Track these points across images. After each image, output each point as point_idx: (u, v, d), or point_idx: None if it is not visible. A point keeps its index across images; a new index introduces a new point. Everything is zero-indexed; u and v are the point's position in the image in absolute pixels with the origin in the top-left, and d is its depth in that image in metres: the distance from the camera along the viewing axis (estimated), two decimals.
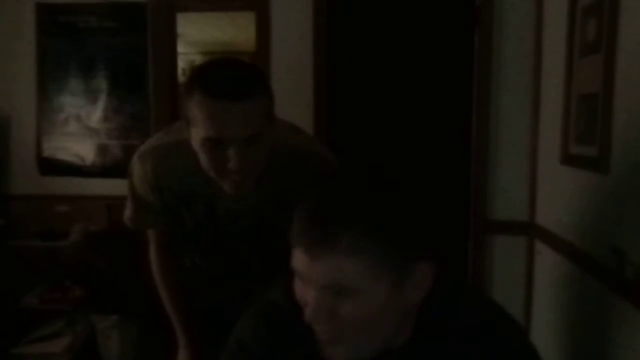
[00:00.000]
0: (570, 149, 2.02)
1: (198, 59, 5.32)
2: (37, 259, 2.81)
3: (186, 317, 1.44)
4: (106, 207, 2.77)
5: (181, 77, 4.89)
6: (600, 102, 1.70)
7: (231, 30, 4.49)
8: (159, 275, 1.42)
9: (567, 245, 2.03)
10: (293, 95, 2.67)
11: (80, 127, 2.87)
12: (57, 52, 2.84)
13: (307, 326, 0.74)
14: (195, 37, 4.64)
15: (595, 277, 1.76)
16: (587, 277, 1.82)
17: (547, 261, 2.33)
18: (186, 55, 5.16)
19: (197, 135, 1.04)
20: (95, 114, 2.86)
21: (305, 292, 0.73)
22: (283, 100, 2.64)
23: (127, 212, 1.33)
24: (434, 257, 0.74)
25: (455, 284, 0.88)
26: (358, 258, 0.67)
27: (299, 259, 0.71)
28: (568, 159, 2.04)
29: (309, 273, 0.70)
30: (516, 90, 2.53)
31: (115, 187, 2.52)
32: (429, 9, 2.64)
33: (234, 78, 1.02)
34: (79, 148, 2.87)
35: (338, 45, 2.66)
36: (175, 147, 1.19)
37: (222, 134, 1.01)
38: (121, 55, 2.82)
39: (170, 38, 2.91)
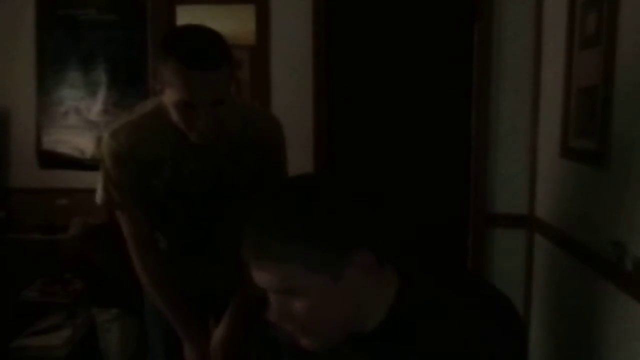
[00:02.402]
0: (570, 142, 2.02)
1: None
2: (37, 252, 2.80)
3: (182, 309, 1.47)
4: None
5: None
6: (600, 95, 1.71)
7: (231, 24, 4.46)
8: (143, 273, 1.45)
9: (566, 238, 2.04)
10: (292, 88, 2.67)
11: (80, 120, 2.86)
12: (56, 45, 2.84)
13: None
14: None
15: (595, 270, 1.76)
16: (587, 270, 1.83)
17: (546, 254, 2.34)
18: None
19: (171, 96, 1.20)
20: (95, 107, 2.85)
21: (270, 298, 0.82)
22: (282, 93, 2.68)
23: (99, 193, 1.41)
24: (369, 241, 0.81)
25: (450, 269, 0.92)
26: (291, 262, 0.77)
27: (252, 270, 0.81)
28: (568, 153, 2.04)
29: (261, 282, 0.80)
30: (516, 84, 2.53)
31: None
32: (429, 4, 2.63)
33: (205, 49, 1.18)
34: (78, 141, 2.87)
35: (338, 39, 2.66)
36: (142, 120, 1.36)
37: (194, 99, 1.19)
38: (121, 48, 2.82)
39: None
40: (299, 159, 2.65)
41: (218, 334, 1.51)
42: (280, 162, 1.51)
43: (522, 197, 2.54)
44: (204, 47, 1.18)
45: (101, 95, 2.84)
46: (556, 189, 2.23)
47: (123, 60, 2.82)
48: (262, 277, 0.79)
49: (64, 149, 2.87)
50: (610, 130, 1.65)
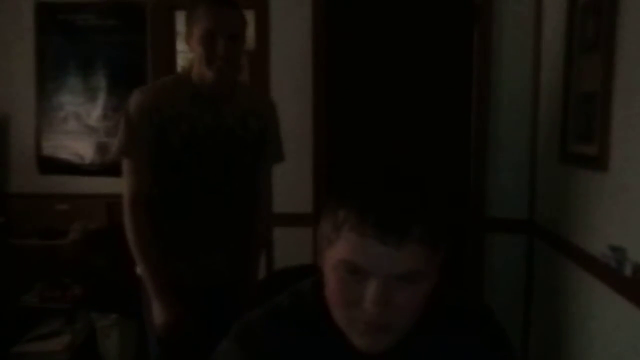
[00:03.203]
0: (569, 147, 2.02)
1: None
2: (36, 258, 2.80)
3: (160, 272, 1.54)
4: (106, 206, 2.77)
5: None
6: (599, 100, 1.71)
7: None
8: (132, 229, 1.54)
9: (566, 243, 2.03)
10: (292, 93, 2.67)
11: (80, 125, 2.86)
12: (56, 51, 2.84)
13: (314, 327, 0.80)
14: None
15: (594, 275, 1.76)
16: (586, 275, 1.82)
17: (546, 259, 2.33)
18: (185, 54, 5.14)
19: (198, 32, 1.53)
20: (95, 113, 2.85)
21: (358, 288, 0.75)
22: (282, 97, 2.67)
23: (117, 142, 1.57)
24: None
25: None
26: (427, 246, 0.75)
27: (365, 249, 0.74)
28: (567, 157, 2.04)
29: (379, 263, 0.74)
30: (515, 88, 2.53)
31: (114, 185, 2.49)
32: (428, 6, 2.64)
33: None
34: (78, 146, 2.87)
35: (337, 43, 2.66)
36: (164, 82, 1.63)
37: (217, 28, 1.52)
38: (120, 54, 2.82)
39: (169, 36, 2.90)
40: (299, 162, 2.66)
41: None
42: (279, 130, 1.79)
43: (521, 202, 2.53)
44: None
45: (101, 100, 2.85)
46: (555, 194, 2.23)
47: (122, 65, 2.82)
48: (388, 256, 0.73)
49: (63, 154, 2.87)
50: (609, 135, 1.66)
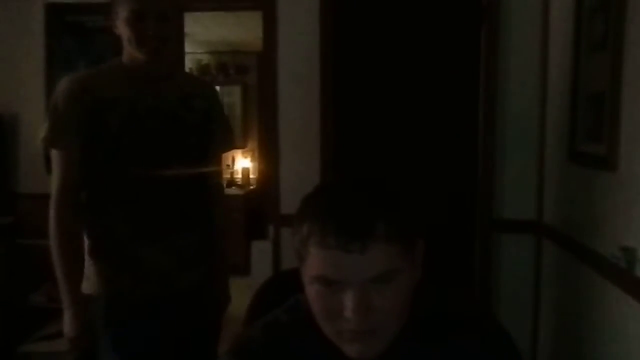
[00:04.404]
0: (578, 146, 2.01)
1: (205, 59, 5.34)
2: (44, 258, 2.79)
3: (76, 277, 1.47)
4: None
5: None
6: (608, 99, 1.70)
7: (238, 30, 4.50)
8: (56, 224, 1.45)
9: (575, 243, 2.02)
10: (299, 94, 2.68)
11: None
12: (65, 52, 2.86)
13: (310, 339, 0.80)
14: (203, 36, 4.65)
15: (604, 276, 1.75)
16: (596, 276, 1.81)
17: (555, 259, 2.32)
18: (194, 55, 5.17)
19: (123, 14, 1.44)
20: None
21: (336, 299, 0.74)
22: (289, 98, 2.69)
23: (43, 132, 1.44)
24: (422, 233, 0.81)
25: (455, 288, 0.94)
26: (396, 243, 0.74)
27: (332, 261, 0.73)
28: (575, 157, 2.03)
29: (349, 272, 0.73)
30: (523, 89, 2.52)
31: None
32: (435, 8, 2.64)
33: None
34: None
35: (345, 44, 2.66)
36: (102, 66, 1.56)
37: (143, 7, 1.42)
38: None
39: (177, 37, 2.92)
40: (306, 163, 2.66)
41: None
42: (224, 115, 1.74)
43: (529, 202, 2.52)
44: None
45: None
46: (564, 194, 2.22)
47: None
48: (356, 263, 0.72)
49: None
50: (618, 134, 1.64)
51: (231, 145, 1.74)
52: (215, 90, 1.76)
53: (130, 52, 1.49)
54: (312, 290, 0.77)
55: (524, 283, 2.53)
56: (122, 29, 1.47)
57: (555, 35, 2.35)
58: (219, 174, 1.74)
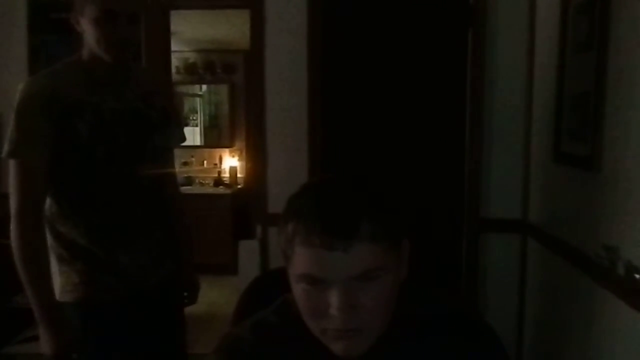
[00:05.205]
0: (563, 147, 2.03)
1: (192, 57, 5.31)
2: None
3: (48, 291, 1.39)
4: None
5: (175, 75, 4.87)
6: (592, 100, 1.71)
7: (225, 28, 4.48)
8: (21, 241, 1.40)
9: (559, 242, 2.04)
10: (287, 92, 2.67)
11: None
12: (49, 49, 2.82)
13: (298, 337, 0.80)
14: (190, 35, 4.62)
15: (588, 274, 1.77)
16: (580, 274, 1.83)
17: (539, 258, 2.34)
18: (181, 53, 5.14)
19: (90, 14, 1.38)
20: None
21: (321, 297, 0.75)
22: (277, 97, 2.68)
23: (9, 146, 1.37)
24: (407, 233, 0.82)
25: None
26: (381, 242, 0.75)
27: (317, 260, 0.73)
28: (560, 157, 2.05)
29: (334, 270, 0.73)
30: (509, 89, 2.54)
31: None
32: (423, 8, 2.64)
33: None
34: None
35: (333, 43, 2.66)
36: (59, 67, 1.47)
37: (114, 6, 1.38)
38: None
39: (164, 36, 2.90)
40: (294, 163, 2.66)
41: None
42: (175, 104, 1.75)
43: (515, 202, 2.54)
44: None
45: None
46: (549, 194, 2.24)
47: None
48: (341, 262, 0.73)
49: None
50: (602, 135, 1.66)
51: (182, 141, 1.73)
52: (170, 83, 1.74)
53: (93, 51, 1.43)
54: (298, 289, 0.77)
55: (510, 281, 2.55)
56: (89, 28, 1.40)
57: (541, 36, 2.37)
58: (174, 167, 1.76)
